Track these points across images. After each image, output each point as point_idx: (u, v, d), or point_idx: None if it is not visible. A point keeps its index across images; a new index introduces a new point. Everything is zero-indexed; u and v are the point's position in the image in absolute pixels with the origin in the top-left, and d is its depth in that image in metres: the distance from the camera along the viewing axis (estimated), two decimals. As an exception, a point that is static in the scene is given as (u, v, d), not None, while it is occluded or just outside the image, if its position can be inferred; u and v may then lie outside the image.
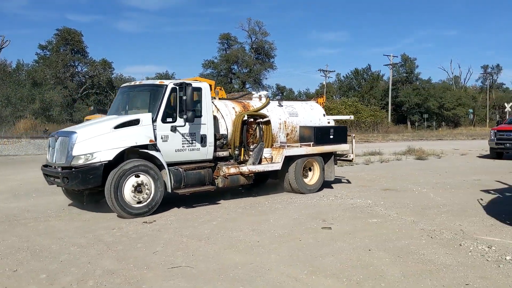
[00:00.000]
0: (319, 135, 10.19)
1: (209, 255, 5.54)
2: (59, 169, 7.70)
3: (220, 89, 10.80)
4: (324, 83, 59.51)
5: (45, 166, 8.30)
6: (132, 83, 9.47)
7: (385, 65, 59.17)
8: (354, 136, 11.23)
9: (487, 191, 9.82)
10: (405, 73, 63.37)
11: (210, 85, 9.21)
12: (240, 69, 54.47)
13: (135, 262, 5.30)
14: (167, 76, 50.66)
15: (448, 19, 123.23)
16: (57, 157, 7.85)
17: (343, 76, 66.84)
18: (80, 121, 36.00)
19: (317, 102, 11.62)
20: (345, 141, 10.81)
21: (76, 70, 45.17)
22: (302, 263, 5.23)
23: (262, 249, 5.78)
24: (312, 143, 10.09)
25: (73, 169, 7.45)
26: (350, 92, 61.18)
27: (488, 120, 65.61)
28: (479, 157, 19.29)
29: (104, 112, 11.89)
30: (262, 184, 10.54)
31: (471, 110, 63.54)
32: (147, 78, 50.14)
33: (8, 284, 4.65)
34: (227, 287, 4.56)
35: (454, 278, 4.75)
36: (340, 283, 4.65)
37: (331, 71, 60.01)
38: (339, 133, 10.69)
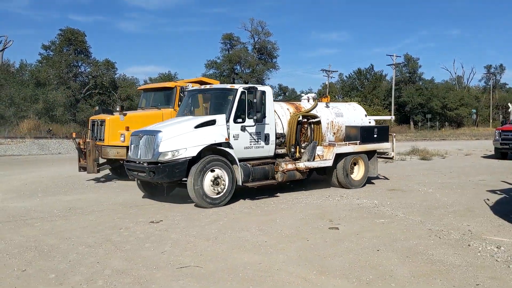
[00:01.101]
0: (365, 134, 10.83)
1: (217, 255, 5.53)
2: (145, 164, 8.34)
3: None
4: (326, 83, 59.42)
5: (127, 161, 9.00)
6: (202, 87, 10.29)
7: (388, 65, 59.12)
8: (395, 136, 11.91)
9: (493, 191, 9.79)
10: (408, 73, 63.30)
11: None
12: (242, 69, 54.43)
13: (144, 262, 5.29)
14: (169, 77, 50.67)
15: (451, 18, 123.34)
16: (142, 154, 8.48)
17: (346, 76, 66.83)
18: (83, 121, 36.11)
19: (321, 102, 11.66)
20: (387, 140, 11.45)
21: (79, 70, 45.14)
22: (310, 263, 5.22)
23: (270, 249, 5.77)
24: (358, 141, 10.68)
25: (159, 164, 8.15)
26: (352, 92, 61.05)
27: (491, 120, 65.49)
28: (484, 157, 19.26)
29: (109, 112, 11.82)
30: (306, 179, 10.94)
31: (474, 110, 63.46)
32: (150, 79, 50.27)
33: (18, 284, 4.65)
34: (237, 287, 4.55)
35: (464, 279, 4.73)
36: (350, 283, 4.64)
37: (333, 71, 60.00)
38: (382, 132, 11.35)
